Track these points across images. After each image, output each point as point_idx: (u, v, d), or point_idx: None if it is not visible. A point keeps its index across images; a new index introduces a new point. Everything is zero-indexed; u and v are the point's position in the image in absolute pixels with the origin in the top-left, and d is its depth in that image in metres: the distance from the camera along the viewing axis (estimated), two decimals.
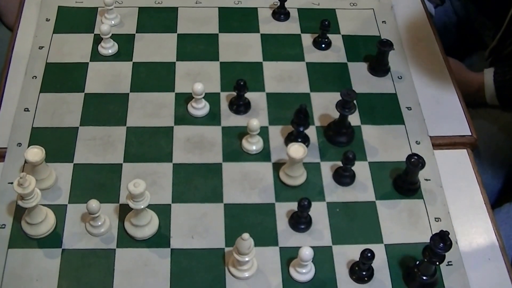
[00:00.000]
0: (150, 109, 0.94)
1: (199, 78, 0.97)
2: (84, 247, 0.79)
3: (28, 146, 0.84)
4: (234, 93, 0.94)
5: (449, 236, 0.73)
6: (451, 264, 0.80)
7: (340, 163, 0.86)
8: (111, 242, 0.80)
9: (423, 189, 0.87)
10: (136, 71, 0.99)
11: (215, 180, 0.87)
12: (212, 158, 0.89)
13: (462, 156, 0.92)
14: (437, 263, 0.74)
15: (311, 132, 0.92)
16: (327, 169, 0.89)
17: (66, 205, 0.83)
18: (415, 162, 0.83)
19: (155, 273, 0.78)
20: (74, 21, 1.06)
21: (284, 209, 0.84)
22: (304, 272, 0.77)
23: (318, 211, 0.84)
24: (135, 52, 1.02)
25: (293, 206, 0.82)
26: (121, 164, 0.87)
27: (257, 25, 1.07)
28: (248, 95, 0.94)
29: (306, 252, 0.74)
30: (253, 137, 0.89)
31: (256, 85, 0.98)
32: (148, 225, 0.80)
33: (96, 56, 1.01)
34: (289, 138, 0.90)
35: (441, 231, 0.73)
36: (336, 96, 0.89)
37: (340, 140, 0.91)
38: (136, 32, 1.05)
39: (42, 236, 0.80)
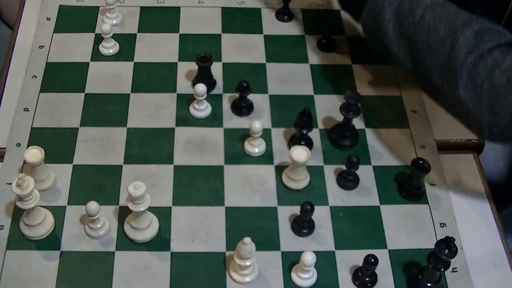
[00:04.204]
0: (151, 110, 0.93)
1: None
2: (83, 250, 0.78)
3: (28, 147, 0.84)
4: (237, 95, 0.93)
5: (455, 242, 0.71)
6: (456, 271, 0.79)
7: (344, 167, 0.85)
8: (110, 245, 0.79)
9: (429, 194, 0.86)
10: (137, 71, 0.98)
11: (216, 182, 0.86)
12: (213, 160, 0.88)
13: (468, 161, 0.91)
14: (442, 269, 0.73)
15: (314, 135, 0.91)
16: (330, 172, 0.87)
17: (65, 206, 0.82)
18: (420, 167, 0.82)
19: (154, 277, 0.77)
20: (75, 20, 1.05)
21: (286, 213, 0.83)
22: (307, 278, 0.76)
23: (321, 215, 0.83)
24: (136, 52, 1.01)
25: (296, 210, 0.81)
26: (121, 165, 0.86)
27: (261, 26, 1.06)
28: (251, 96, 0.93)
29: (309, 257, 0.73)
30: (256, 140, 0.88)
31: (259, 87, 0.97)
32: (148, 228, 0.79)
33: (97, 56, 1.00)
34: (292, 141, 0.89)
35: (447, 237, 0.72)
36: (340, 99, 0.88)
37: (344, 143, 0.90)
38: (138, 32, 1.04)
39: (40, 238, 0.79)
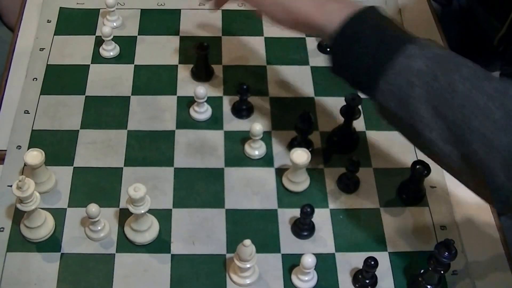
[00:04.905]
0: (151, 113, 0.93)
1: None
2: (83, 252, 0.78)
3: (28, 149, 0.83)
4: (237, 97, 0.93)
5: (455, 244, 0.71)
6: (456, 273, 0.79)
7: (344, 169, 0.85)
8: (110, 247, 0.79)
9: (429, 196, 0.86)
10: (137, 74, 0.98)
11: (217, 185, 0.86)
12: (214, 162, 0.88)
13: None
14: (442, 272, 0.73)
15: (315, 137, 0.91)
16: (330, 175, 0.87)
17: (66, 209, 0.82)
18: (420, 170, 0.82)
19: (155, 279, 0.77)
20: (75, 22, 1.05)
21: (287, 216, 0.83)
22: (307, 280, 0.76)
23: (321, 218, 0.83)
24: (136, 55, 1.01)
25: (296, 212, 0.81)
26: (122, 168, 0.86)
27: (261, 28, 1.06)
28: (251, 99, 0.94)
29: (309, 260, 0.73)
30: (256, 142, 0.88)
31: (259, 89, 0.97)
32: (148, 230, 0.79)
33: (97, 58, 1.00)
34: (293, 144, 0.89)
35: (446, 239, 0.71)
36: (341, 101, 0.87)
37: (345, 145, 0.90)
38: (138, 34, 1.04)
39: (41, 240, 0.79)
